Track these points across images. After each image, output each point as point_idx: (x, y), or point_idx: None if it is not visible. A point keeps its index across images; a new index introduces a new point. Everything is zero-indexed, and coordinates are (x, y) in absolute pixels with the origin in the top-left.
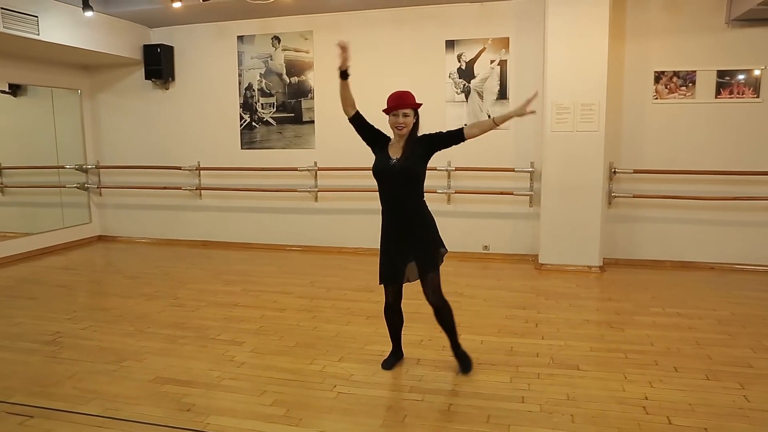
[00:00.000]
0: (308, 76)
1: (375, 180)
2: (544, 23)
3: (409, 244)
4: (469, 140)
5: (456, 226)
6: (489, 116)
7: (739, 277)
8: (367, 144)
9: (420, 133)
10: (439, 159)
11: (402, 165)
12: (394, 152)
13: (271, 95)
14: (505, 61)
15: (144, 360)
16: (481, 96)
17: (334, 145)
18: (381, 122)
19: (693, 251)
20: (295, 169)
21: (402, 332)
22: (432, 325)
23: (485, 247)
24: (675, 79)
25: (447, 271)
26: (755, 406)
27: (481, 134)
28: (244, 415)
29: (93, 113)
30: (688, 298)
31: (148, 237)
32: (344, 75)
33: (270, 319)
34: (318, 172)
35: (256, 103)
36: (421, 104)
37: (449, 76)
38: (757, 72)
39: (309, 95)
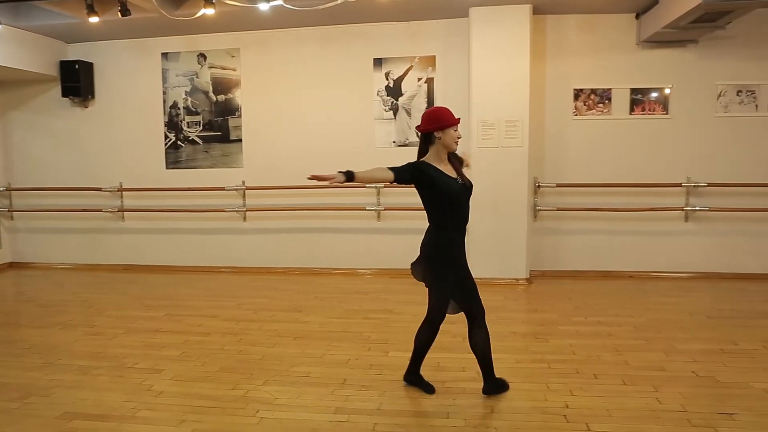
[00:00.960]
0: (236, 94)
1: (443, 203)
2: (468, 42)
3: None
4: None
5: (386, 242)
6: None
7: (655, 285)
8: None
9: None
10: None
11: (467, 183)
12: (448, 170)
13: (197, 113)
14: (432, 78)
15: (51, 395)
16: (409, 113)
17: (263, 163)
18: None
19: (614, 261)
20: (223, 189)
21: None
22: (360, 344)
23: None
24: (593, 96)
25: (377, 288)
26: (666, 407)
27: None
28: None
29: (3, 132)
30: (609, 306)
31: (66, 262)
32: (350, 179)
33: (193, 344)
34: (246, 191)
35: (181, 121)
36: None
37: (377, 94)
38: (666, 90)
39: (236, 113)
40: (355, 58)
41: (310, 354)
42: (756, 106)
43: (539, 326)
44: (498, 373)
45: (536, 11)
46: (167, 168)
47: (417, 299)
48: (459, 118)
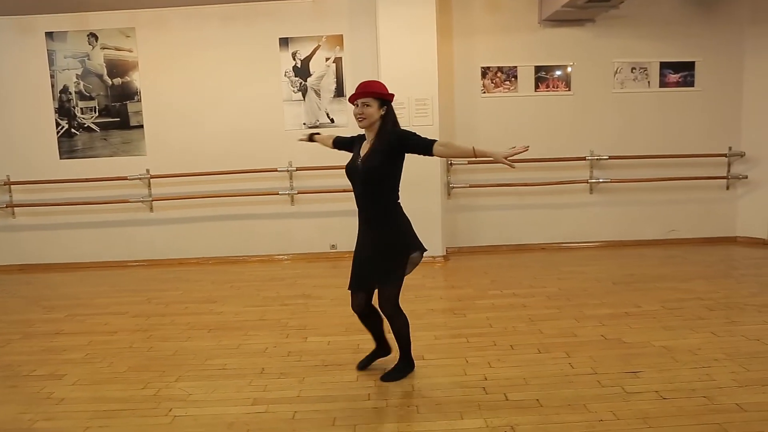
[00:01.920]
0: (133, 77)
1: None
2: (375, 21)
3: (372, 248)
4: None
5: (302, 226)
6: (330, 117)
7: (565, 255)
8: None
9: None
10: (280, 160)
11: (363, 164)
12: (363, 149)
13: (91, 98)
14: (340, 58)
15: None
16: (318, 94)
17: (168, 150)
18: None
19: (526, 234)
20: (125, 179)
21: (383, 329)
22: (278, 331)
23: (333, 246)
24: (499, 74)
25: (295, 273)
26: (578, 371)
27: (452, 157)
28: None
29: None
30: (523, 278)
31: None
32: (311, 139)
33: (98, 345)
34: (151, 180)
35: (74, 107)
36: (391, 94)
37: (285, 75)
38: (568, 69)
39: (136, 98)
40: (260, 38)
41: (225, 345)
42: (648, 82)
43: (457, 302)
44: (417, 350)
45: None
46: (61, 158)
47: (336, 283)
48: (354, 96)
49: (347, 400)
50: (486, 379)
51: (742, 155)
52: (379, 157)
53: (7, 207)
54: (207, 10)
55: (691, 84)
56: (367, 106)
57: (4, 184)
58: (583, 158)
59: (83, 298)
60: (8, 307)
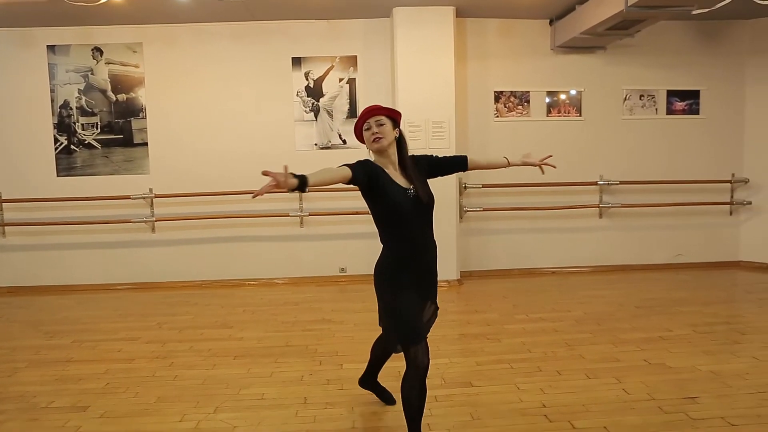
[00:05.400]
0: (139, 93)
1: (390, 217)
2: (391, 42)
3: (429, 286)
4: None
5: (310, 249)
6: (342, 138)
7: (577, 279)
8: (368, 185)
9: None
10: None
11: (425, 193)
12: (402, 181)
13: (93, 114)
14: (354, 79)
15: None
16: (330, 115)
17: (173, 169)
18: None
19: (537, 258)
20: (128, 198)
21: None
22: (309, 358)
23: (342, 270)
24: (512, 98)
25: (306, 297)
26: (635, 397)
27: (487, 168)
28: None
29: None
30: (544, 302)
31: None
32: (302, 188)
33: (117, 373)
34: (154, 199)
35: (74, 123)
36: (399, 114)
37: (297, 95)
38: (572, 92)
39: (140, 114)
40: (272, 57)
41: (256, 373)
42: (656, 109)
43: (486, 326)
44: (463, 377)
45: (458, 14)
46: (59, 175)
47: (353, 307)
48: (365, 115)
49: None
50: (545, 406)
51: (746, 181)
52: (426, 181)
53: None
54: (218, 28)
55: (697, 112)
56: (381, 124)
57: None
58: (594, 183)
59: (87, 322)
60: (7, 333)
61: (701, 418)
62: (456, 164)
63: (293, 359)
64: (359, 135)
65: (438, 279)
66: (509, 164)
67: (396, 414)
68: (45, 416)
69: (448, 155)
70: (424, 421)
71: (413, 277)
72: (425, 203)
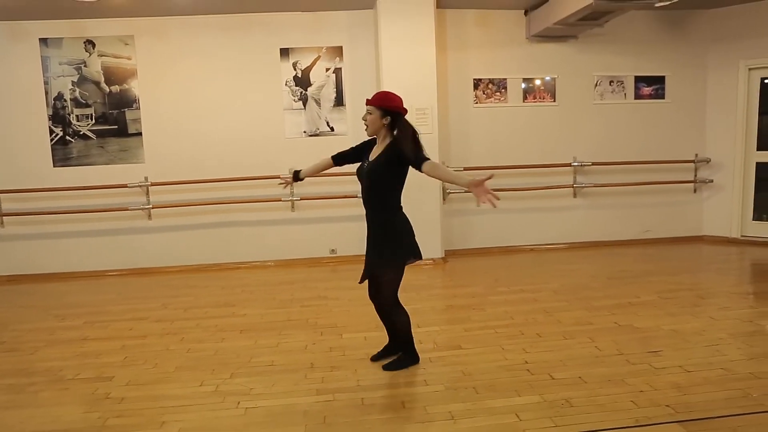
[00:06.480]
0: (132, 85)
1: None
2: (375, 33)
3: (372, 247)
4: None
5: (302, 232)
6: (330, 126)
7: (554, 255)
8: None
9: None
10: (281, 167)
11: (369, 166)
12: (373, 154)
13: (88, 106)
14: (340, 69)
15: None
16: (318, 103)
17: (167, 157)
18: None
19: (515, 236)
20: (124, 186)
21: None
22: (310, 330)
23: (332, 251)
24: (490, 85)
25: (300, 277)
26: (606, 353)
27: (438, 179)
28: None
29: None
30: (523, 276)
31: None
32: (297, 178)
33: (133, 348)
34: (150, 187)
35: (69, 114)
36: (394, 106)
37: (285, 84)
38: (546, 78)
39: (134, 105)
40: (261, 48)
41: (263, 345)
42: (624, 94)
43: (471, 298)
44: (453, 341)
45: (438, 5)
46: (55, 166)
47: (346, 285)
48: (366, 104)
49: (406, 386)
50: (527, 363)
51: (707, 161)
52: (384, 162)
53: None
54: (207, 20)
55: (662, 96)
56: (369, 114)
57: None
58: (568, 164)
59: (94, 305)
60: (20, 317)
61: (662, 367)
62: (411, 161)
63: (296, 331)
64: None
65: (423, 257)
66: (465, 185)
67: (394, 373)
68: (74, 386)
69: (418, 152)
70: (420, 377)
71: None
72: (364, 174)
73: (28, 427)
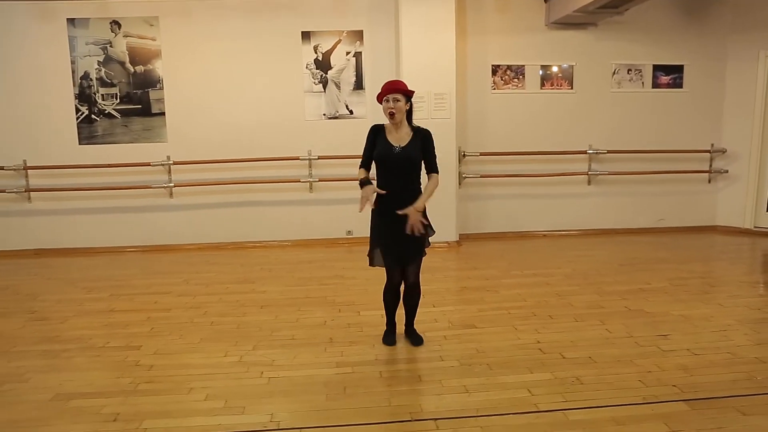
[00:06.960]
0: (156, 65)
1: (376, 164)
2: (395, 18)
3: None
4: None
5: (319, 213)
6: (349, 109)
7: (567, 241)
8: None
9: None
10: (300, 149)
11: (406, 152)
12: (395, 139)
13: (113, 85)
14: (360, 53)
15: (29, 380)
16: (338, 86)
17: (189, 137)
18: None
19: (529, 222)
20: (147, 165)
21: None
22: (328, 307)
23: (348, 232)
24: (508, 72)
25: (318, 257)
26: (616, 335)
27: (424, 189)
28: (182, 413)
29: None
30: (537, 261)
31: None
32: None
33: (159, 320)
34: (172, 166)
35: (95, 93)
36: (413, 92)
37: (306, 67)
38: (564, 66)
39: (158, 85)
40: (282, 31)
41: (284, 320)
42: (642, 83)
43: (485, 281)
44: (467, 320)
45: None
46: (80, 144)
47: (362, 265)
48: (386, 91)
49: (423, 361)
50: (539, 342)
51: (723, 151)
52: (418, 147)
53: (24, 191)
54: (231, 2)
55: (680, 86)
56: (398, 101)
57: (22, 169)
58: (583, 152)
59: (119, 279)
60: (48, 288)
61: (671, 349)
62: (427, 163)
63: (314, 308)
64: (380, 100)
65: (439, 240)
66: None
67: (411, 349)
68: (105, 353)
69: (434, 157)
70: (436, 354)
71: (389, 211)
72: (401, 159)
73: (67, 389)
